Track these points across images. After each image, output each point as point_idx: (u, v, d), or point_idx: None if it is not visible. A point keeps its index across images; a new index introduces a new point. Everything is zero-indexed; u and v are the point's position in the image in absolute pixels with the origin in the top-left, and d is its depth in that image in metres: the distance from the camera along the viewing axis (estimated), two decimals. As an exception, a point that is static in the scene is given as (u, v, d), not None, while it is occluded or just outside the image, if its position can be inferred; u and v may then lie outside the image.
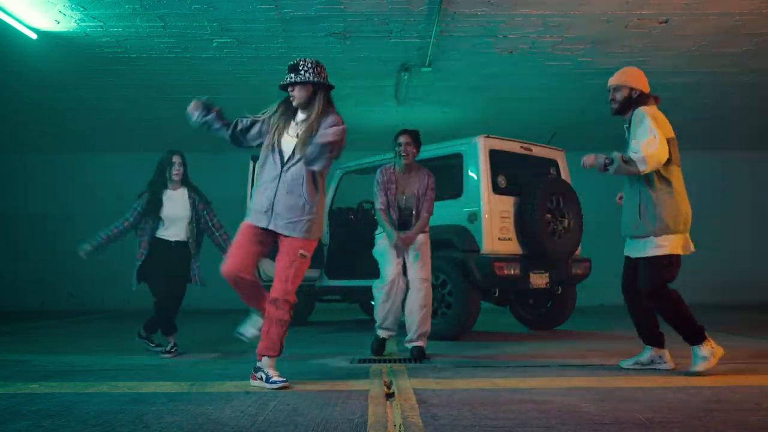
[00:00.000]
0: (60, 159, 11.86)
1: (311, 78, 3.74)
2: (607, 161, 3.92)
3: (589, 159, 4.01)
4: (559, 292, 6.55)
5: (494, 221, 6.04)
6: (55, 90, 8.43)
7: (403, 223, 4.96)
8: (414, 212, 4.94)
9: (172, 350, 5.19)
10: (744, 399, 3.14)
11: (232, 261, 3.66)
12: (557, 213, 6.25)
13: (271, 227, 3.67)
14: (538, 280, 6.17)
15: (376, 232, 5.09)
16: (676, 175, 4.01)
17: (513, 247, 6.14)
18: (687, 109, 9.50)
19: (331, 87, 3.84)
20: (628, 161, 3.83)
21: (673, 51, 7.15)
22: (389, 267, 4.90)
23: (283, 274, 3.65)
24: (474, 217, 6.04)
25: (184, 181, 5.34)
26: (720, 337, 6.05)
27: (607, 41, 6.85)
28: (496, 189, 6.15)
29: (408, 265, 4.93)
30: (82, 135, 10.83)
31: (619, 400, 3.14)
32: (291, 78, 3.76)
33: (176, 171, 5.28)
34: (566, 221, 6.30)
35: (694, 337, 3.92)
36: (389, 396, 3.30)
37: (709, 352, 3.87)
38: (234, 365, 4.57)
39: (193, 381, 3.80)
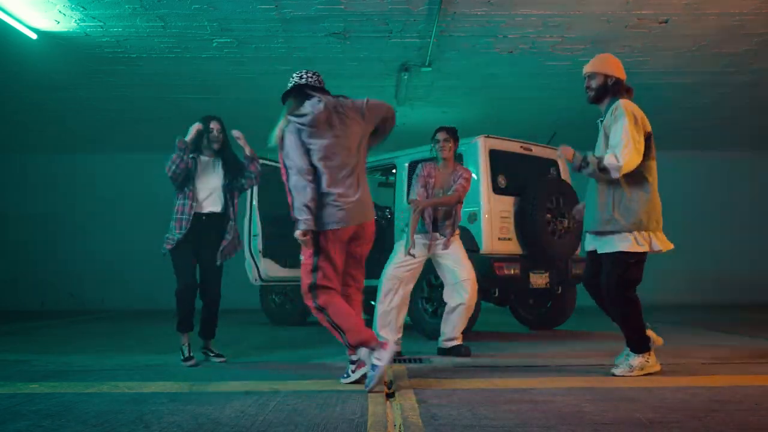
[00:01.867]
0: (60, 159, 11.86)
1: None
2: (582, 164, 3.83)
3: (567, 152, 3.89)
4: (559, 292, 6.55)
5: (494, 221, 6.04)
6: (55, 90, 8.43)
7: (436, 219, 4.93)
8: (453, 208, 4.92)
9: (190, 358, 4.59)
10: (744, 399, 3.14)
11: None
12: (557, 213, 6.25)
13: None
14: (538, 280, 6.17)
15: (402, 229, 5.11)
16: (653, 171, 3.92)
17: (513, 247, 6.14)
18: (687, 109, 9.51)
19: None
20: (603, 169, 3.76)
21: (673, 51, 7.15)
22: (394, 268, 4.86)
23: None
24: (474, 217, 6.04)
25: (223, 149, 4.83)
26: (720, 337, 6.07)
27: (607, 41, 6.84)
28: (496, 189, 6.15)
29: (444, 271, 4.89)
30: (82, 135, 10.83)
31: (619, 400, 3.13)
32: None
33: (215, 137, 4.79)
34: (566, 221, 6.29)
35: (639, 345, 3.88)
36: (389, 396, 3.30)
37: (639, 364, 3.84)
38: (234, 365, 4.56)
39: (193, 381, 3.80)
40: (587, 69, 4.06)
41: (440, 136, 5.05)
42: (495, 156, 6.23)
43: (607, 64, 4.02)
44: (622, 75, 4.01)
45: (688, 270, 11.49)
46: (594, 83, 4.01)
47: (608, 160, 3.75)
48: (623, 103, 3.87)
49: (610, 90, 3.98)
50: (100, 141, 11.18)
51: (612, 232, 3.86)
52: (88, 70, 7.62)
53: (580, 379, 3.79)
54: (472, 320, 6.04)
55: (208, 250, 4.68)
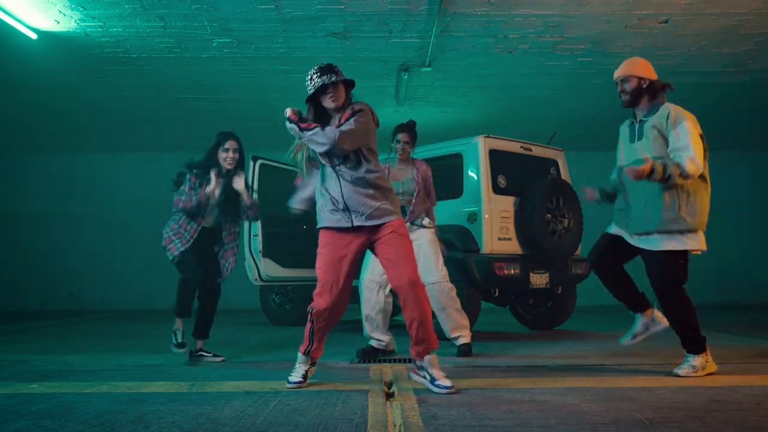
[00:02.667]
0: (60, 159, 11.87)
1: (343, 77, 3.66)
2: (664, 176, 3.77)
3: (636, 175, 3.73)
4: (559, 292, 6.55)
5: (494, 221, 6.04)
6: (55, 90, 8.43)
7: (403, 207, 4.91)
8: (415, 196, 4.91)
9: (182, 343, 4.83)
10: (744, 399, 3.14)
11: None
12: (557, 213, 6.25)
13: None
14: (538, 280, 6.17)
15: None
16: (707, 169, 4.02)
17: (513, 247, 6.14)
18: (687, 109, 9.50)
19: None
20: (685, 176, 3.81)
21: (673, 51, 7.15)
22: (365, 268, 4.86)
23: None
24: (474, 217, 6.04)
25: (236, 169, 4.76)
26: (720, 337, 6.07)
27: (607, 41, 6.85)
28: (496, 189, 6.15)
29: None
30: (82, 135, 10.83)
31: (619, 400, 3.14)
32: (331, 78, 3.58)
33: (231, 158, 4.70)
34: (566, 221, 6.30)
35: (695, 345, 3.92)
36: (389, 396, 3.30)
37: (700, 364, 3.87)
38: (234, 365, 4.56)
39: (193, 381, 3.80)
40: (619, 73, 4.08)
41: (400, 137, 5.00)
42: (495, 156, 6.23)
43: (639, 66, 4.07)
44: (654, 76, 4.06)
45: (687, 270, 11.47)
46: (628, 86, 4.03)
47: (688, 165, 3.78)
48: (677, 108, 3.96)
49: (645, 92, 4.02)
50: (100, 141, 11.19)
51: (678, 232, 3.89)
52: (88, 70, 7.62)
53: (580, 379, 3.79)
54: (472, 320, 6.06)
55: (210, 259, 4.84)
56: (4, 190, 11.97)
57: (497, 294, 6.30)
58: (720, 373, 3.96)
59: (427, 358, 3.50)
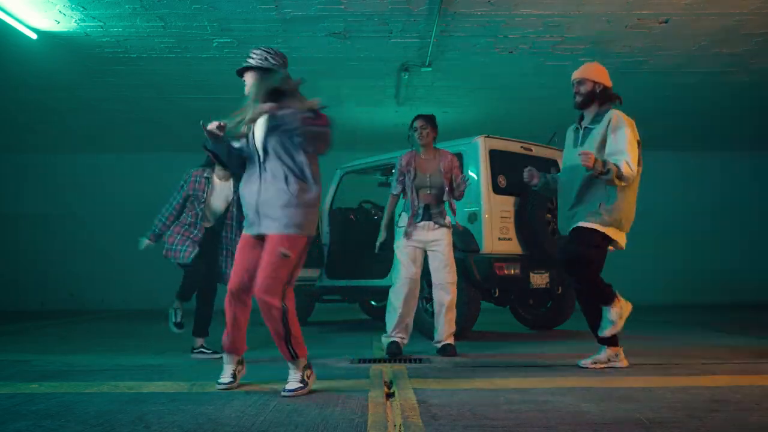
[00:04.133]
0: (60, 159, 11.86)
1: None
2: (604, 170, 3.94)
3: (588, 159, 3.93)
4: (559, 292, 6.55)
5: (494, 221, 6.03)
6: (55, 90, 8.43)
7: (428, 205, 4.92)
8: (447, 188, 4.89)
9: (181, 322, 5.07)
10: (744, 399, 3.14)
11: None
12: (557, 213, 6.25)
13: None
14: (538, 280, 6.17)
15: (397, 223, 5.09)
16: (638, 176, 4.11)
17: (513, 247, 6.13)
18: (687, 109, 9.50)
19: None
20: (620, 176, 3.93)
21: (673, 51, 7.15)
22: (402, 268, 4.89)
23: None
24: (474, 217, 6.04)
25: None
26: (720, 337, 6.07)
27: (607, 41, 6.85)
28: (496, 189, 6.14)
29: (431, 268, 4.90)
30: (82, 135, 10.84)
31: (619, 400, 3.13)
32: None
33: None
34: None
35: (605, 298, 4.01)
36: (389, 396, 3.30)
37: (616, 315, 3.96)
38: (234, 365, 4.56)
39: (193, 381, 3.80)
40: (576, 75, 4.28)
41: (417, 123, 5.02)
42: (495, 156, 6.23)
43: (595, 71, 4.24)
44: (608, 83, 4.23)
45: (688, 270, 11.49)
46: (583, 89, 4.24)
47: (625, 168, 3.92)
48: (620, 113, 4.08)
49: (597, 96, 4.18)
50: (100, 141, 11.19)
51: (594, 220, 4.03)
52: (88, 70, 7.62)
53: (580, 379, 3.79)
54: (472, 320, 6.06)
55: (212, 257, 5.01)
56: (4, 190, 11.97)
57: (497, 294, 6.29)
58: (720, 373, 3.96)
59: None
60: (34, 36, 6.46)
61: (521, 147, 6.56)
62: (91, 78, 7.92)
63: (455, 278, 4.92)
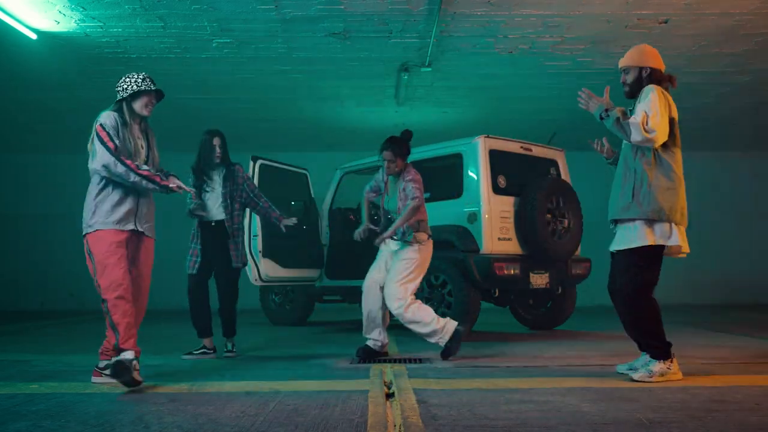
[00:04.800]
0: (60, 159, 11.84)
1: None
2: (603, 114, 3.65)
3: (592, 102, 3.68)
4: (559, 292, 6.55)
5: (494, 221, 6.04)
6: (55, 90, 8.43)
7: (390, 219, 4.93)
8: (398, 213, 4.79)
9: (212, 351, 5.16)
10: (744, 399, 3.14)
11: None
12: (557, 213, 6.25)
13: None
14: (538, 280, 6.17)
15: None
16: (677, 158, 3.72)
17: (513, 247, 6.14)
18: (687, 110, 9.49)
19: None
20: (624, 124, 3.56)
21: (673, 51, 7.15)
22: (372, 266, 4.89)
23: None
24: (474, 217, 6.04)
25: (224, 160, 5.16)
26: (720, 337, 6.07)
27: (607, 41, 6.85)
28: (496, 189, 6.15)
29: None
30: (82, 135, 10.70)
31: (619, 400, 3.13)
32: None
33: (218, 154, 5.10)
34: (566, 221, 6.30)
35: (660, 352, 3.67)
36: (389, 396, 3.30)
37: (660, 371, 3.62)
38: (234, 365, 4.56)
39: (193, 381, 3.80)
40: (622, 63, 3.88)
41: (385, 155, 4.73)
42: (495, 156, 6.23)
43: (643, 54, 3.81)
44: (658, 65, 3.81)
45: (688, 270, 11.48)
46: (629, 78, 3.82)
47: (635, 118, 3.55)
48: (654, 87, 3.70)
49: (645, 82, 3.77)
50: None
51: (629, 221, 3.66)
52: (88, 70, 7.62)
53: (580, 379, 3.79)
54: (472, 320, 6.07)
55: (219, 256, 5.10)
56: (4, 190, 11.98)
57: (497, 294, 6.30)
58: (720, 373, 3.96)
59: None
60: (33, 36, 6.46)
61: (521, 147, 6.56)
62: (91, 78, 7.92)
63: (398, 293, 4.57)
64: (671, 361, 3.68)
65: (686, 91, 8.50)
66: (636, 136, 3.56)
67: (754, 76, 7.99)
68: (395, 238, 4.73)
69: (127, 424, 2.74)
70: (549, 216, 6.19)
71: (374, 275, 4.83)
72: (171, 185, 3.84)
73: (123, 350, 3.53)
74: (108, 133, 3.85)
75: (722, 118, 10.04)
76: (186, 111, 9.37)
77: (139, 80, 3.99)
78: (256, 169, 6.57)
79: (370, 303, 4.79)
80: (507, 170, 6.27)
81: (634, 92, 3.82)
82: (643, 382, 3.59)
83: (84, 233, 3.75)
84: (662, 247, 3.68)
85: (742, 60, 7.44)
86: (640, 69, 3.81)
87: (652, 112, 3.56)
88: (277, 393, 3.39)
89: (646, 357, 3.81)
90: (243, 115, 9.67)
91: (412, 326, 4.66)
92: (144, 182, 3.75)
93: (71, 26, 6.35)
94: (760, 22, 6.37)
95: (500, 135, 6.47)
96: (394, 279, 4.62)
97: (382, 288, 4.76)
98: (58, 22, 6.25)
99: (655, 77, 3.80)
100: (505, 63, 7.53)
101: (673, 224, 3.64)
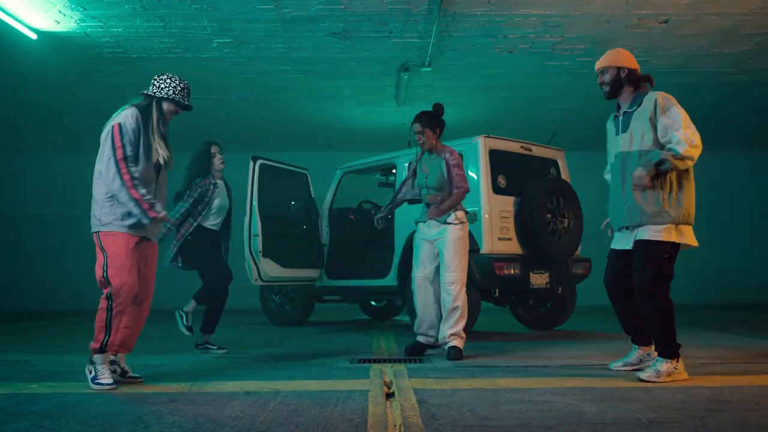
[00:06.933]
0: (60, 159, 11.85)
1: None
2: (660, 166, 3.64)
3: (640, 174, 3.67)
4: (559, 292, 6.55)
5: (494, 221, 6.03)
6: (55, 90, 8.43)
7: (428, 204, 4.92)
8: (443, 192, 4.82)
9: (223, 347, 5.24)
10: (744, 399, 3.14)
11: None
12: (557, 213, 6.25)
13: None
14: (538, 280, 6.17)
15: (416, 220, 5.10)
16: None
17: (513, 247, 6.13)
18: (687, 110, 9.44)
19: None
20: (682, 158, 3.61)
21: (673, 51, 7.15)
22: (415, 264, 4.92)
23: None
24: (474, 217, 6.04)
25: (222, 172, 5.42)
26: (720, 337, 6.07)
27: (607, 41, 6.84)
28: (496, 189, 6.14)
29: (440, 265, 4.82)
30: (82, 135, 10.80)
31: (619, 400, 3.13)
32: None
33: (221, 162, 5.32)
34: (566, 221, 6.29)
35: (669, 351, 3.72)
36: (389, 396, 3.30)
37: (667, 371, 3.66)
38: (234, 365, 4.56)
39: (193, 381, 3.80)
40: (598, 65, 4.04)
41: (415, 128, 4.93)
42: (495, 156, 6.23)
43: (620, 56, 3.99)
44: (634, 65, 3.96)
45: (688, 270, 11.47)
46: (607, 77, 3.98)
47: (683, 146, 3.61)
48: (664, 94, 3.81)
49: (624, 82, 3.93)
50: (100, 141, 11.17)
51: (660, 224, 3.71)
52: (88, 70, 7.62)
53: (580, 379, 3.79)
54: (472, 320, 6.06)
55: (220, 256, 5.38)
56: (4, 190, 11.97)
57: (497, 294, 6.29)
58: (720, 373, 3.96)
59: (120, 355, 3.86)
60: (34, 36, 6.46)
61: (521, 147, 6.56)
62: (91, 78, 7.92)
63: (457, 277, 4.72)
64: (677, 361, 3.71)
65: (686, 91, 8.50)
66: (695, 154, 3.66)
67: (754, 76, 7.99)
68: (439, 221, 4.80)
69: (127, 424, 2.74)
70: (549, 216, 6.18)
71: (421, 272, 4.87)
72: (158, 215, 3.81)
73: (103, 352, 3.66)
74: (122, 137, 3.78)
75: (722, 118, 10.04)
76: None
77: (178, 88, 3.98)
78: (256, 169, 6.57)
79: (423, 299, 4.87)
80: (507, 170, 6.27)
81: (614, 92, 3.97)
82: (651, 381, 3.62)
83: (96, 230, 3.75)
84: (679, 245, 3.79)
85: (742, 60, 7.44)
86: (618, 69, 3.96)
87: (690, 129, 3.70)
88: (277, 393, 3.39)
89: (639, 352, 3.98)
90: (243, 115, 9.67)
91: (454, 313, 4.74)
92: (131, 204, 3.73)
93: (71, 26, 6.35)
94: (760, 22, 6.37)
95: (500, 135, 6.47)
96: (451, 265, 4.73)
97: (431, 282, 4.84)
98: (58, 22, 6.25)
99: (634, 77, 3.94)
100: (505, 63, 7.53)
101: (689, 226, 3.80)
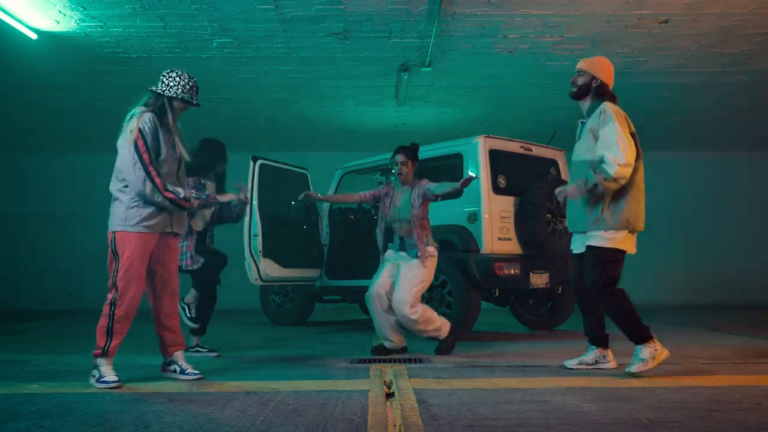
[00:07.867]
0: (60, 159, 11.86)
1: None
2: (590, 187, 3.87)
3: (572, 192, 3.95)
4: (559, 292, 6.55)
5: (494, 221, 6.04)
6: (55, 90, 8.43)
7: (401, 237, 4.96)
8: (412, 224, 4.85)
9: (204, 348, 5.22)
10: (744, 399, 3.15)
11: None
12: (557, 213, 6.25)
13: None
14: (538, 280, 6.17)
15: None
16: (640, 170, 3.98)
17: (513, 247, 6.13)
18: (687, 110, 9.50)
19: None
20: (613, 179, 3.80)
21: (673, 51, 7.15)
22: (373, 279, 5.02)
23: None
24: (474, 217, 6.04)
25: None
26: (720, 337, 6.07)
27: (607, 41, 6.85)
28: (496, 189, 6.15)
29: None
30: (82, 135, 10.83)
31: (619, 400, 3.14)
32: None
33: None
34: (566, 221, 6.29)
35: (639, 336, 3.90)
36: (389, 396, 3.30)
37: (649, 354, 3.85)
38: (234, 365, 4.56)
39: (193, 381, 3.80)
40: (579, 65, 4.21)
41: (399, 158, 4.93)
42: (495, 156, 6.23)
43: (598, 66, 4.16)
44: (609, 80, 4.13)
45: (688, 270, 11.50)
46: (580, 80, 4.15)
47: (612, 167, 3.79)
48: (610, 107, 3.96)
49: (592, 91, 4.11)
50: (100, 141, 11.14)
51: (598, 231, 3.94)
52: (88, 70, 7.62)
53: (580, 379, 3.79)
54: (472, 320, 6.07)
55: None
56: (4, 190, 11.97)
57: (497, 294, 6.29)
58: (720, 373, 3.96)
59: (176, 353, 3.97)
60: (34, 36, 6.46)
61: (521, 147, 6.56)
62: (91, 78, 7.92)
63: (407, 299, 4.71)
64: (653, 341, 3.89)
65: (686, 91, 8.50)
66: (624, 174, 3.81)
67: (754, 76, 7.99)
68: (412, 255, 4.85)
69: (127, 424, 2.74)
70: (549, 216, 6.18)
71: (379, 282, 4.95)
72: (194, 204, 4.05)
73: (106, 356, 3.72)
74: (145, 142, 3.78)
75: (722, 118, 10.03)
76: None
77: (187, 87, 4.12)
78: (256, 169, 6.57)
79: (375, 309, 4.96)
80: (507, 170, 6.27)
81: (578, 95, 4.17)
82: (642, 372, 3.80)
83: (115, 229, 3.73)
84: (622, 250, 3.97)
85: (742, 60, 7.44)
86: (593, 77, 4.13)
87: (619, 143, 3.82)
88: (277, 393, 3.39)
89: (596, 352, 4.14)
90: (243, 115, 9.67)
91: (421, 327, 4.82)
92: (167, 203, 3.77)
93: (71, 26, 6.35)
94: (760, 22, 6.37)
95: (500, 135, 6.47)
96: (406, 288, 4.75)
97: (386, 292, 4.91)
98: (58, 22, 6.25)
99: (602, 90, 4.10)
100: (505, 63, 7.53)
101: (633, 234, 3.97)
